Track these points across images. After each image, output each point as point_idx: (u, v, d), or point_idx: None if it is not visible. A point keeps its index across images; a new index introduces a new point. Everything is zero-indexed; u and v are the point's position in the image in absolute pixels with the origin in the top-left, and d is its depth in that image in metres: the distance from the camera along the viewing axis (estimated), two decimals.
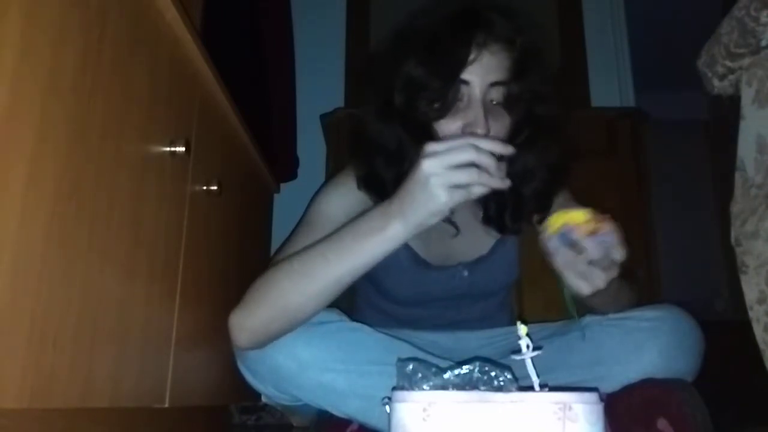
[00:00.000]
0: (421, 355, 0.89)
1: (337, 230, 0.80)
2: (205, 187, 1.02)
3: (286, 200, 1.79)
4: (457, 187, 0.70)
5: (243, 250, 1.36)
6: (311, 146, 2.05)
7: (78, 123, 0.62)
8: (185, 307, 0.93)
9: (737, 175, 0.84)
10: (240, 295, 0.84)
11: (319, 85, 2.18)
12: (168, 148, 0.86)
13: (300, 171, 2.02)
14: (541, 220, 0.99)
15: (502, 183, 0.71)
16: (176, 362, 0.89)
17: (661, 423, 0.78)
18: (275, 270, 0.82)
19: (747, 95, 0.82)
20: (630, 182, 1.86)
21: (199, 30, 1.10)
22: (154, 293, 0.83)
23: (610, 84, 2.28)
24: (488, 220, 1.02)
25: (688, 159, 3.92)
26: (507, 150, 0.72)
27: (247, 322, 0.82)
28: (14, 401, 0.52)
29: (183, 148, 0.87)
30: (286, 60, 2.01)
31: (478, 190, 0.70)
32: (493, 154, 0.70)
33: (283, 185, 1.90)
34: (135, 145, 0.76)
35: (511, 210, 0.98)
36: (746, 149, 0.82)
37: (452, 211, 0.78)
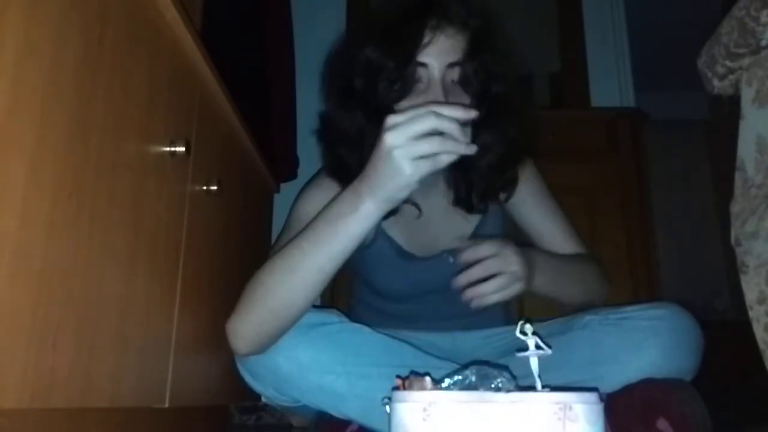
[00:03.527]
0: (421, 356, 0.89)
1: (313, 220, 0.80)
2: (205, 187, 1.02)
3: (286, 200, 1.79)
4: (423, 157, 0.69)
5: (243, 250, 1.36)
6: (311, 146, 2.04)
7: (78, 123, 0.62)
8: (185, 307, 0.93)
9: (737, 175, 0.84)
10: (239, 296, 0.84)
11: (319, 84, 2.18)
12: (168, 148, 0.86)
13: (300, 171, 2.02)
14: (508, 199, 1.03)
15: (468, 149, 0.69)
16: (176, 362, 0.89)
17: (661, 423, 0.78)
18: (259, 273, 0.83)
19: (747, 95, 0.82)
20: (630, 182, 1.86)
21: (199, 30, 1.09)
22: (154, 293, 0.83)
23: (610, 84, 2.28)
24: (458, 201, 1.04)
25: (688, 159, 3.92)
26: (470, 114, 0.71)
27: (240, 327, 0.82)
28: (14, 401, 0.52)
29: (183, 148, 0.87)
30: (286, 60, 2.01)
31: (446, 159, 0.70)
32: (456, 120, 0.69)
33: (283, 185, 1.90)
34: (135, 145, 0.76)
35: (476, 188, 1.00)
36: (746, 149, 0.82)
37: (419, 187, 0.80)
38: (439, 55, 0.89)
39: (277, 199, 1.84)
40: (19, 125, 0.52)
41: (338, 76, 0.98)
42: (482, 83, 0.92)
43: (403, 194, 0.73)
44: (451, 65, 0.89)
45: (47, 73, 0.56)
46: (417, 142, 0.68)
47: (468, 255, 0.82)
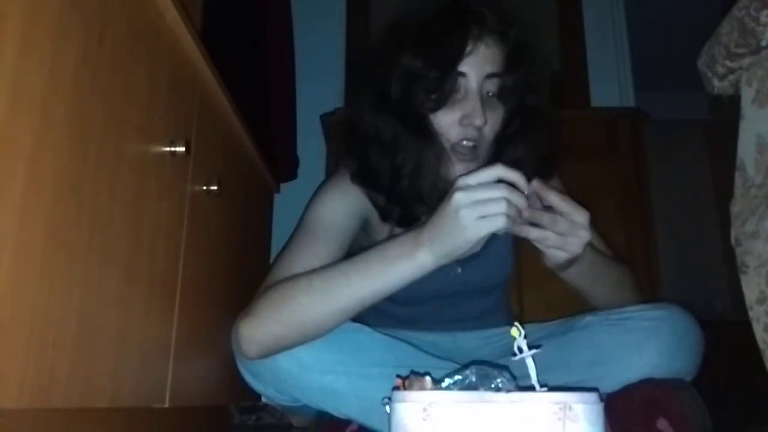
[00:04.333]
0: (421, 356, 0.89)
1: (364, 253, 0.80)
2: (205, 187, 1.02)
3: (286, 200, 1.80)
4: (485, 217, 0.70)
5: (243, 250, 1.36)
6: (311, 146, 2.05)
7: (78, 123, 0.62)
8: (185, 307, 0.93)
9: (737, 175, 0.84)
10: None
11: (319, 85, 2.18)
12: (168, 148, 0.86)
13: (300, 171, 2.02)
14: None
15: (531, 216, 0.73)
16: (176, 362, 0.89)
17: (661, 423, 0.78)
18: (293, 286, 0.81)
19: (747, 95, 0.82)
20: (630, 182, 1.86)
21: (199, 30, 1.10)
22: (154, 293, 0.83)
23: (610, 84, 2.28)
24: None
25: (688, 159, 3.92)
26: (529, 188, 0.74)
27: (258, 335, 0.80)
28: (14, 401, 0.52)
29: (183, 148, 0.87)
30: (286, 60, 2.01)
31: (507, 223, 0.71)
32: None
33: (283, 185, 1.90)
34: (135, 145, 0.76)
35: None
36: (746, 149, 0.81)
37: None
38: (478, 65, 0.88)
39: (277, 199, 1.84)
40: (19, 125, 0.52)
41: (372, 80, 0.97)
42: (519, 96, 0.92)
43: (460, 252, 0.74)
44: (489, 76, 0.89)
45: (47, 73, 0.56)
46: (485, 203, 0.70)
47: (554, 200, 0.76)
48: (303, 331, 0.80)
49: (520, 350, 0.57)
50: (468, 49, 0.88)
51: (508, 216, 0.71)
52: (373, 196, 0.96)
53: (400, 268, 0.76)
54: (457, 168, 0.91)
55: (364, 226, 1.01)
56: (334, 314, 0.79)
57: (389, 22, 0.99)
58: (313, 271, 0.82)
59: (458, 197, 0.71)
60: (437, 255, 0.75)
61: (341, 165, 1.02)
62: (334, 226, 0.93)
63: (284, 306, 0.80)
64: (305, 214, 0.97)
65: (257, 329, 0.80)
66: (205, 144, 1.04)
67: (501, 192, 0.70)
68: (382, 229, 1.01)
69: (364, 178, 0.96)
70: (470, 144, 0.89)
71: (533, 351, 0.56)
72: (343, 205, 0.96)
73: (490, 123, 0.89)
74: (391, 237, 0.96)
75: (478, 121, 0.87)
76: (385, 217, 0.97)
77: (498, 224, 0.71)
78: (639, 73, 2.36)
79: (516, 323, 0.57)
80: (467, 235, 0.72)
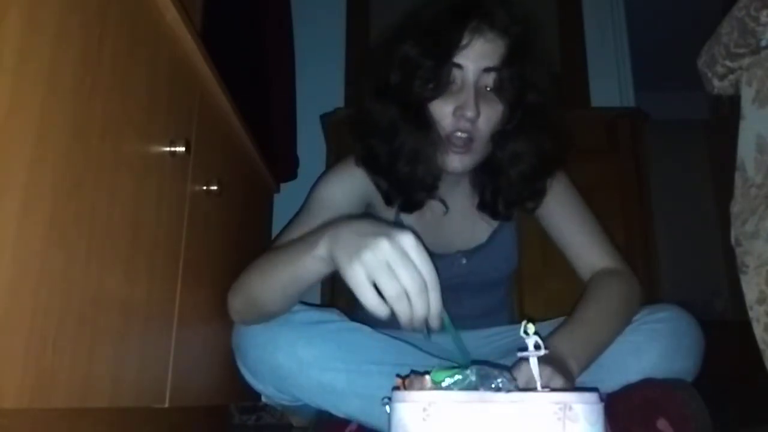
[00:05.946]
0: (421, 355, 0.89)
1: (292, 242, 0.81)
2: (205, 187, 1.02)
3: (286, 200, 1.79)
4: (374, 278, 0.60)
5: (243, 250, 1.36)
6: (311, 146, 2.05)
7: (78, 123, 0.62)
8: (185, 307, 0.93)
9: (737, 175, 0.84)
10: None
11: (319, 85, 2.18)
12: (168, 148, 0.86)
13: (300, 171, 2.02)
14: (534, 209, 1.03)
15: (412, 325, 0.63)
16: (176, 362, 0.89)
17: (661, 423, 0.78)
18: (255, 263, 0.87)
19: (747, 95, 0.82)
20: (630, 182, 1.85)
21: (199, 30, 1.09)
22: (154, 293, 0.83)
23: (610, 84, 2.28)
24: (483, 206, 1.04)
25: (688, 159, 3.93)
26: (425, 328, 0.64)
27: (232, 301, 0.89)
28: (14, 401, 0.52)
29: (183, 148, 0.87)
30: (286, 60, 2.01)
31: (373, 308, 0.61)
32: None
33: (283, 185, 1.90)
34: (135, 145, 0.76)
35: (504, 195, 1.00)
36: (746, 149, 0.82)
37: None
38: (475, 58, 0.89)
39: (277, 199, 1.84)
40: (19, 125, 0.52)
41: (376, 69, 1.00)
42: (517, 91, 0.92)
43: (332, 269, 0.67)
44: (487, 70, 0.90)
45: (47, 73, 0.56)
46: (391, 276, 0.60)
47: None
48: (254, 304, 0.84)
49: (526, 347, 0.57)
50: (465, 41, 0.89)
51: (390, 304, 0.60)
52: (376, 180, 0.99)
53: (303, 254, 0.72)
54: (452, 159, 0.92)
55: (369, 211, 1.03)
56: (268, 291, 0.81)
57: (398, 17, 1.01)
58: (277, 249, 0.85)
59: (405, 238, 0.61)
60: (330, 250, 0.67)
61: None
62: (331, 204, 0.96)
63: (244, 278, 0.86)
64: (310, 193, 1.01)
65: (232, 296, 0.88)
66: (205, 144, 1.04)
67: (423, 298, 0.60)
68: (387, 215, 1.03)
69: (367, 162, 0.99)
70: (464, 136, 0.90)
71: (539, 352, 0.56)
72: (342, 185, 0.99)
73: (486, 117, 0.90)
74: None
75: (470, 113, 0.88)
76: (388, 201, 0.99)
77: (367, 299, 0.60)
78: (639, 73, 2.36)
79: (528, 320, 0.57)
80: (348, 268, 0.61)
